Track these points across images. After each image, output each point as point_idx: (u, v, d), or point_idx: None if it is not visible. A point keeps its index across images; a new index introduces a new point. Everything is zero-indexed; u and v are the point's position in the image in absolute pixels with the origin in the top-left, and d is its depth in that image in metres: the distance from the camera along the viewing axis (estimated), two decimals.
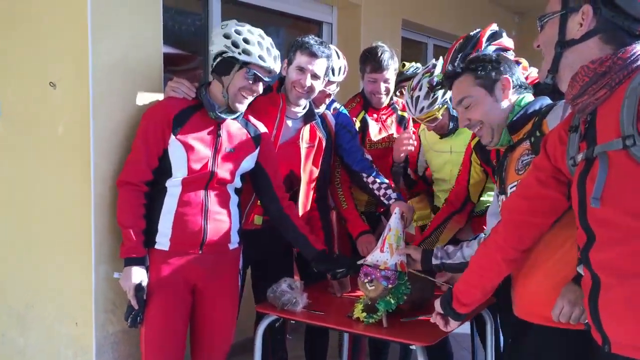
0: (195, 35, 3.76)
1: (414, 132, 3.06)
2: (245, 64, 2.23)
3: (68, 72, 2.32)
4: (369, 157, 2.90)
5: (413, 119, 2.92)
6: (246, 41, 2.22)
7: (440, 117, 2.76)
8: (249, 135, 2.42)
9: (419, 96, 2.70)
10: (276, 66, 2.30)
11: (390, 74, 3.02)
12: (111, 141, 2.34)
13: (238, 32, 2.23)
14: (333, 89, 2.84)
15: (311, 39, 2.61)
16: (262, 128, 2.49)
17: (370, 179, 2.83)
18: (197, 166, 2.25)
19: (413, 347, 2.07)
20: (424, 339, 2.06)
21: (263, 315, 2.41)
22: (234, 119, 2.36)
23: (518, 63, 2.44)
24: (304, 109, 2.70)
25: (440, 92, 2.68)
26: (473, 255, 1.88)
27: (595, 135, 1.35)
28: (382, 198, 2.81)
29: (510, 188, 1.95)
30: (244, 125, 2.42)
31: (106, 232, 2.34)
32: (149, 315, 2.23)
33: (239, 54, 2.22)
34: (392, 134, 3.15)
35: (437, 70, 2.73)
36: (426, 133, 3.00)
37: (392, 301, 2.18)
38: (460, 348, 3.58)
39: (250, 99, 2.32)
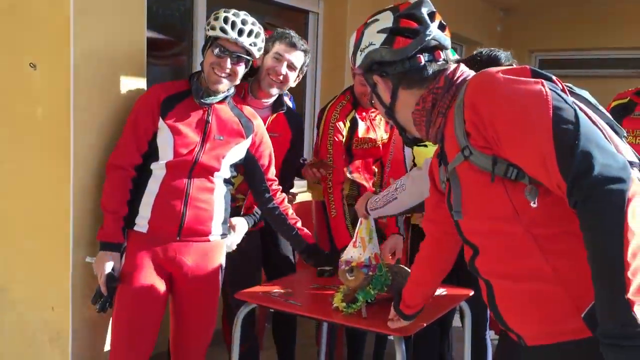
0: (180, 20, 3.72)
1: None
2: (214, 39, 2.23)
3: (49, 54, 2.28)
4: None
5: None
6: (215, 18, 2.23)
7: None
8: (240, 125, 2.39)
9: None
10: (245, 40, 2.22)
11: None
12: (92, 124, 2.31)
13: (215, 14, 2.24)
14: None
15: (291, 32, 2.67)
16: (257, 120, 2.47)
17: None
18: (183, 151, 2.24)
19: (391, 337, 2.08)
20: (402, 329, 2.07)
21: (234, 305, 2.40)
22: (219, 102, 2.33)
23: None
24: (273, 98, 2.71)
25: None
26: None
27: (446, 157, 1.47)
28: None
29: None
30: (236, 115, 2.40)
31: (85, 216, 2.32)
32: (120, 298, 2.22)
33: (207, 30, 2.24)
34: (376, 137, 3.14)
35: None
36: None
37: (372, 292, 2.19)
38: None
39: (225, 78, 2.26)
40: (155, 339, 2.30)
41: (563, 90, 1.30)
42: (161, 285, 2.29)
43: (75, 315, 2.34)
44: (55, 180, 2.31)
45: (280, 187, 2.57)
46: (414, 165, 2.98)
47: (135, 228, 2.27)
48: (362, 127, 3.09)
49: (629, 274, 1.09)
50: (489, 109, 1.29)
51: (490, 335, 2.87)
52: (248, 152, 2.43)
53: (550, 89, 1.24)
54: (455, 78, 1.47)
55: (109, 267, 2.18)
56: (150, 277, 2.25)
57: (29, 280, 2.43)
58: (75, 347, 2.35)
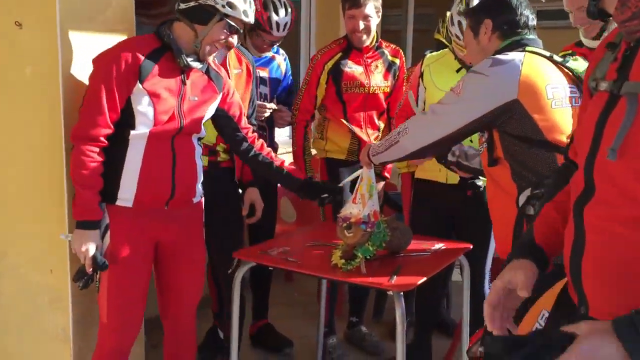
0: None
1: (409, 77, 3.02)
2: (225, 16, 2.11)
3: (34, 12, 2.21)
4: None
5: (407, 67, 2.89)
6: None
7: None
8: (211, 82, 2.28)
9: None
10: (252, 19, 2.19)
11: (370, 10, 2.92)
12: (80, 86, 2.25)
13: None
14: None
15: None
16: (222, 70, 2.38)
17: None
18: (164, 117, 2.12)
19: (390, 292, 2.08)
20: (401, 285, 2.07)
21: (218, 265, 2.40)
22: (199, 68, 2.21)
23: None
24: None
25: None
26: None
27: (631, 67, 1.10)
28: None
29: None
30: (204, 71, 2.24)
31: None
32: (109, 276, 2.15)
33: (223, 6, 2.09)
34: (369, 83, 3.08)
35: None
36: (431, 70, 2.83)
37: (371, 248, 2.18)
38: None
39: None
40: (144, 308, 2.27)
41: None
42: (149, 256, 2.25)
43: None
44: (47, 141, 2.27)
45: (256, 134, 2.50)
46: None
47: (118, 203, 2.14)
48: (351, 69, 3.05)
49: None
50: None
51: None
52: (219, 107, 2.33)
53: None
54: None
55: (92, 248, 2.06)
56: (139, 252, 2.18)
57: (28, 243, 2.42)
58: (75, 308, 2.36)
